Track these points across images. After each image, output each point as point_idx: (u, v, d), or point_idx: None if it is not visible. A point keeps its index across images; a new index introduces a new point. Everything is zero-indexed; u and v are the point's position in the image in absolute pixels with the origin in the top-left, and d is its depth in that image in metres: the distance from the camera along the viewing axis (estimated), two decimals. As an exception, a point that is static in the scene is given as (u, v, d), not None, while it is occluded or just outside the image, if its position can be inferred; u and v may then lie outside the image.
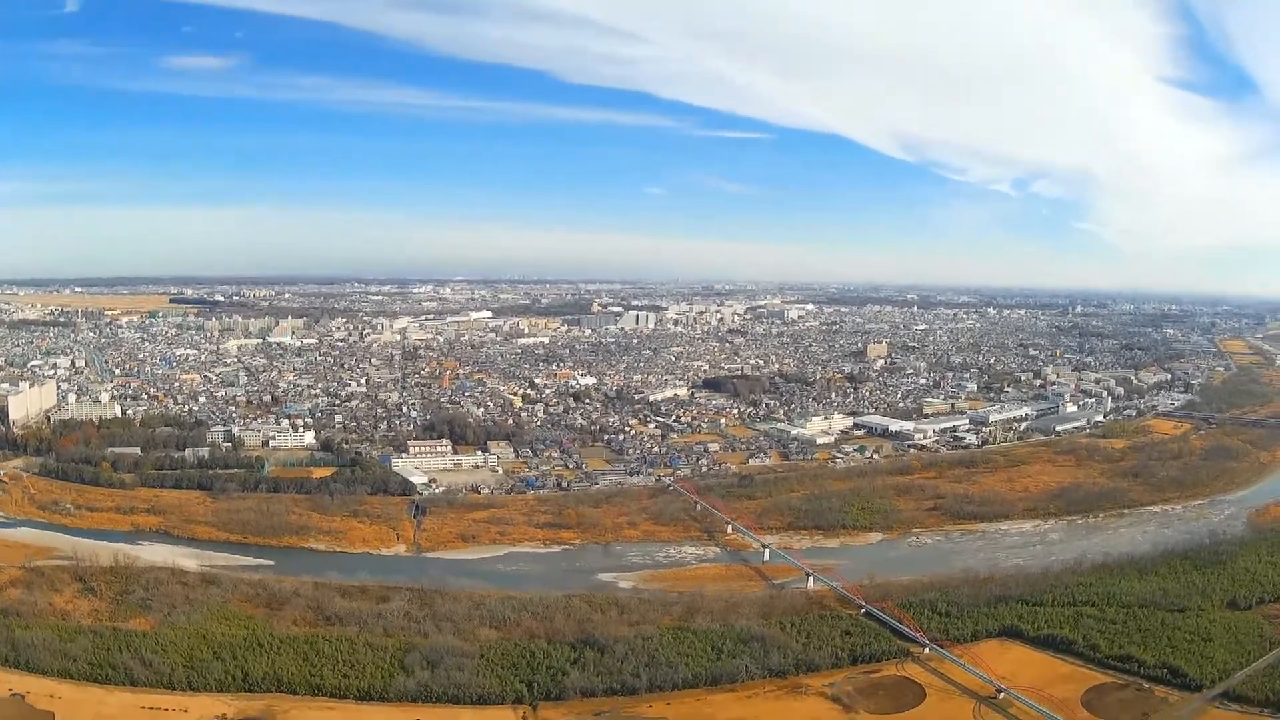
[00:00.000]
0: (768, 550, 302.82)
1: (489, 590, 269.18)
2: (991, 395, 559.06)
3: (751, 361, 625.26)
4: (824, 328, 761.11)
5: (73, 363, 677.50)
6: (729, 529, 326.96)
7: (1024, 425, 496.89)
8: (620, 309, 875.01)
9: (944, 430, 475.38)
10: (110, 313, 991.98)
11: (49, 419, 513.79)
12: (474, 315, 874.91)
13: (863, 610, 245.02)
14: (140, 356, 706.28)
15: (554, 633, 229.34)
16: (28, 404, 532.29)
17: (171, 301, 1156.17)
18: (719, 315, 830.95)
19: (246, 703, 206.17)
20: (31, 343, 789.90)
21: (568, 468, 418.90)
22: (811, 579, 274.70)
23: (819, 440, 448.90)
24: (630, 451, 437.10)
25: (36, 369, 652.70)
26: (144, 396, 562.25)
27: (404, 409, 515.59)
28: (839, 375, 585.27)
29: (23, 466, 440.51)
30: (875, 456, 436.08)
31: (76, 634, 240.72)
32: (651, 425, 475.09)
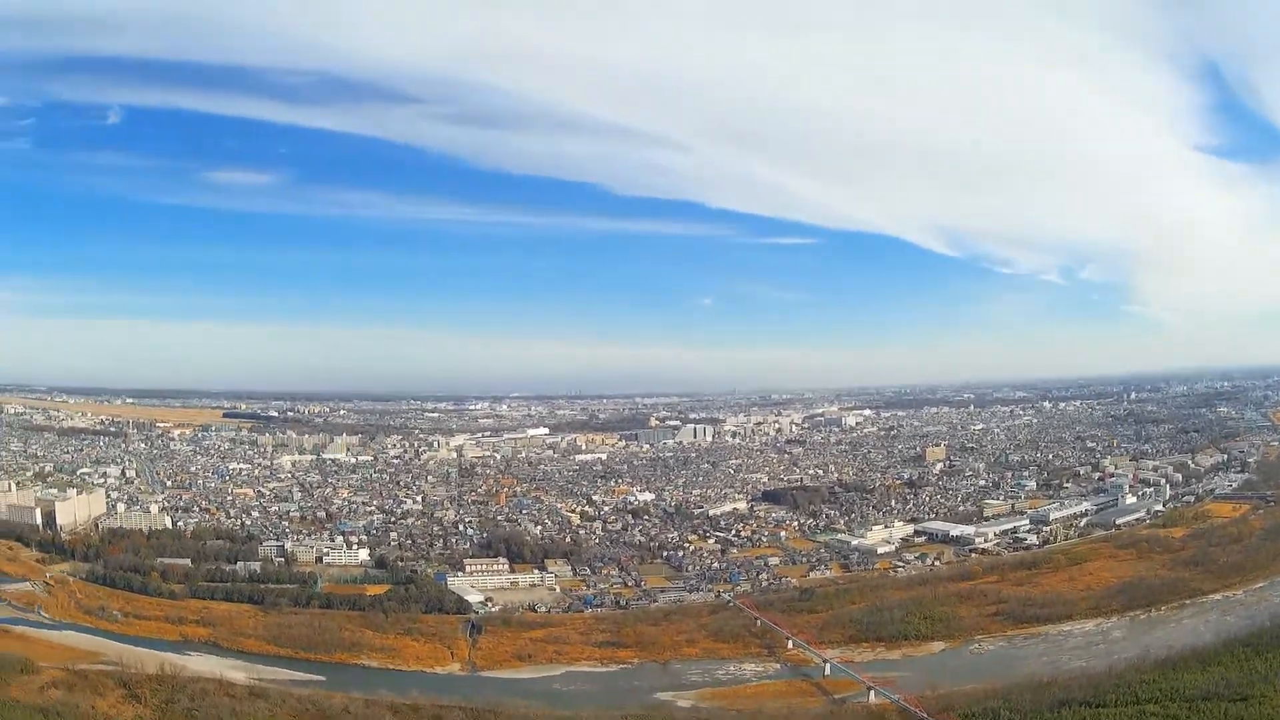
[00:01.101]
0: (828, 665, 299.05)
1: (544, 710, 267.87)
2: (1050, 492, 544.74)
3: (810, 471, 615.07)
4: (882, 433, 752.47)
5: (123, 472, 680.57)
6: (789, 644, 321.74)
7: (1084, 521, 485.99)
8: (678, 423, 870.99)
9: (1004, 532, 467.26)
10: (162, 424, 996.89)
11: (97, 526, 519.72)
12: (530, 432, 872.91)
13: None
14: (192, 469, 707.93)
15: None
16: (75, 511, 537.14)
17: (225, 416, 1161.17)
18: (777, 425, 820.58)
19: None
20: (81, 450, 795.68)
21: (626, 585, 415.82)
22: (873, 693, 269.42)
23: (879, 550, 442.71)
24: (689, 568, 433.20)
25: (85, 477, 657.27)
26: (195, 509, 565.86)
27: (460, 526, 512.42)
28: (898, 482, 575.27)
29: (70, 571, 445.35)
30: (936, 563, 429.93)
31: None
32: (711, 540, 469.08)
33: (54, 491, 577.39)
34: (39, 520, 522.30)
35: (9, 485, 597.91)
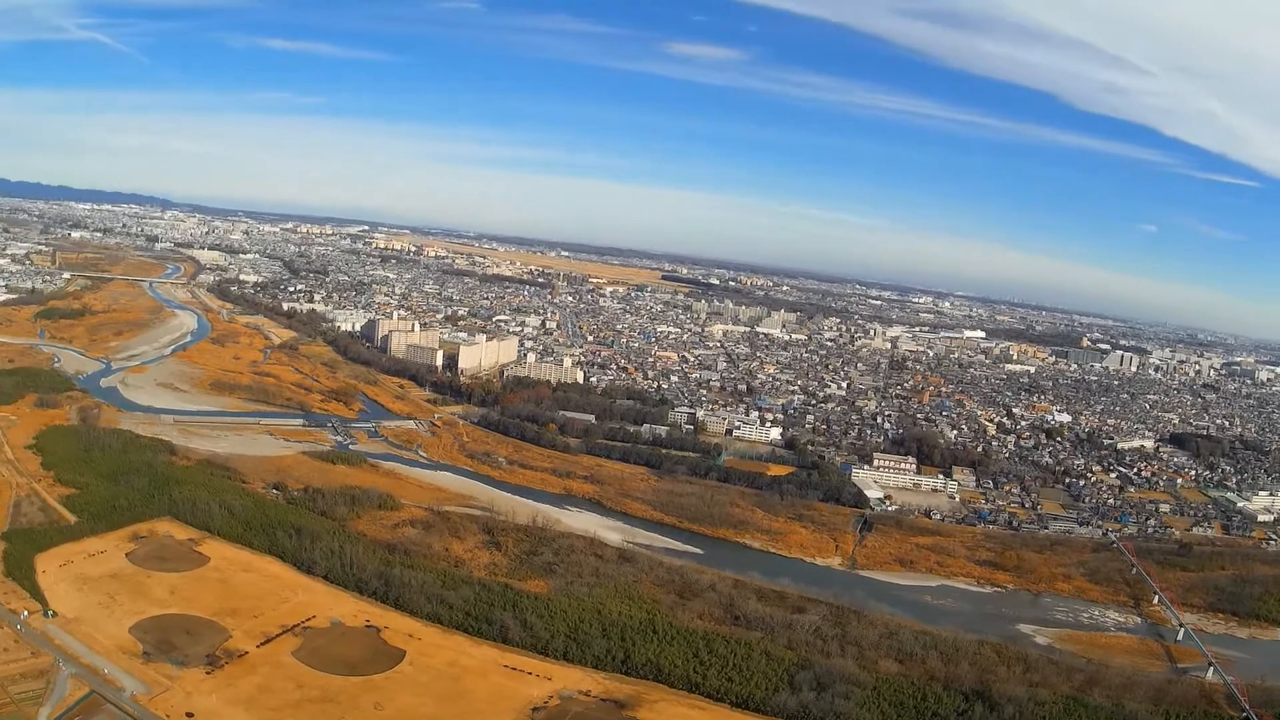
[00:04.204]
0: (1181, 630, 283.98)
1: (906, 620, 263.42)
2: None
3: (1218, 421, 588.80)
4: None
5: (543, 323, 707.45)
6: (1155, 599, 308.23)
7: None
8: (1107, 346, 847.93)
9: None
10: (595, 280, 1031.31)
11: (502, 373, 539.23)
12: (967, 333, 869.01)
13: (1244, 716, 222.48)
14: (618, 327, 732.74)
15: (953, 678, 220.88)
16: (481, 356, 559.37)
17: (663, 278, 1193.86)
18: (1197, 367, 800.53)
19: (615, 684, 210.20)
20: (502, 298, 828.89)
21: (1022, 506, 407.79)
22: (1212, 670, 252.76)
23: (1259, 517, 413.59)
24: (1086, 499, 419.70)
25: (501, 324, 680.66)
26: (612, 367, 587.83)
27: (878, 419, 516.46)
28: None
29: (462, 414, 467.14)
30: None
31: (462, 583, 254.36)
32: (1112, 475, 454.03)
33: (462, 335, 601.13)
34: (439, 362, 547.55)
35: (413, 325, 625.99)
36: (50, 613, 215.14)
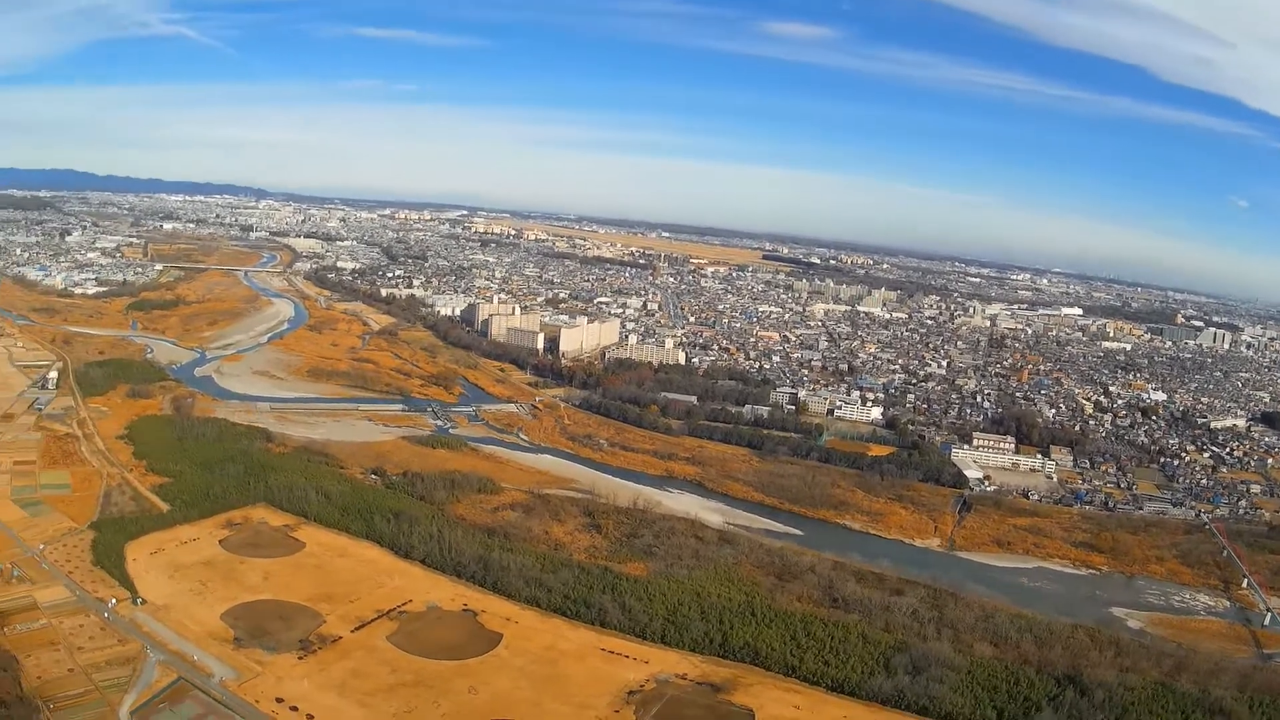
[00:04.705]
0: (1269, 615, 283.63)
1: (1002, 603, 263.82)
2: None
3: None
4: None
5: (644, 304, 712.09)
6: (1244, 583, 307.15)
7: None
8: (1201, 323, 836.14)
9: None
10: (696, 260, 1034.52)
11: (603, 355, 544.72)
12: (1065, 311, 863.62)
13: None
14: (720, 307, 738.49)
15: (1046, 662, 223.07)
16: (583, 338, 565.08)
17: (764, 258, 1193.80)
18: None
19: (712, 668, 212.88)
20: (603, 280, 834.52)
21: (1118, 486, 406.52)
22: None
23: None
24: (1180, 480, 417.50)
25: (603, 306, 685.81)
26: (714, 347, 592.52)
27: (978, 398, 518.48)
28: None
29: (563, 397, 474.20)
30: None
31: (561, 566, 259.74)
32: (1205, 455, 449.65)
33: (563, 318, 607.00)
34: (540, 345, 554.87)
35: (514, 309, 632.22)
36: (139, 600, 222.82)
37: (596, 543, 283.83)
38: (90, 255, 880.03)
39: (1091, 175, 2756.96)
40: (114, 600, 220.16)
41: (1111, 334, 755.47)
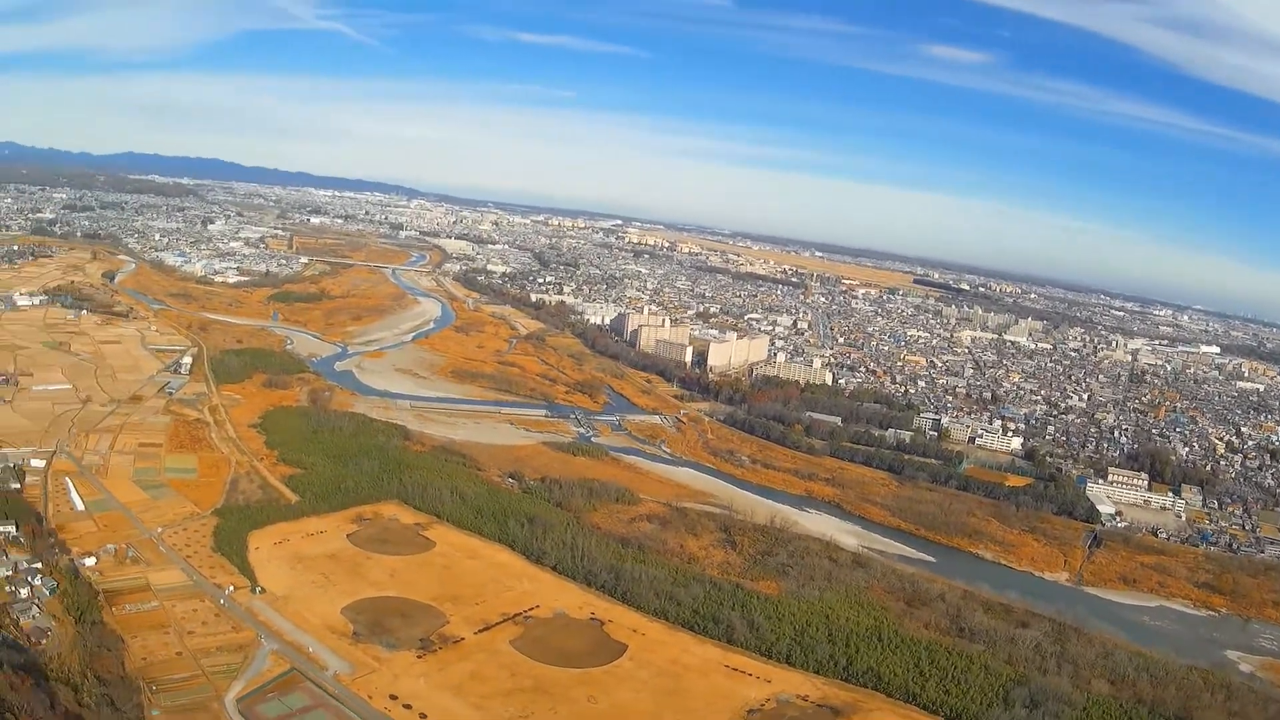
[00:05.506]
0: None
1: (1122, 641, 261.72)
2: None
3: None
4: None
5: (794, 323, 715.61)
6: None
7: None
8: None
9: None
10: (847, 281, 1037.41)
11: (750, 371, 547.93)
12: (1203, 348, 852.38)
13: None
14: (869, 330, 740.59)
15: (1159, 702, 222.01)
16: (731, 354, 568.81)
17: (915, 282, 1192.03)
18: None
19: (834, 690, 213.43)
20: (755, 296, 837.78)
21: (1243, 528, 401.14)
22: None
23: None
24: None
25: (753, 321, 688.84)
26: (861, 369, 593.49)
27: (1115, 433, 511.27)
28: None
29: (708, 411, 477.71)
30: None
31: (693, 580, 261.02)
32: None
33: (712, 332, 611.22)
34: (687, 358, 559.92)
35: (664, 320, 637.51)
36: (258, 589, 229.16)
37: (730, 559, 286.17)
38: (233, 245, 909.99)
39: (1236, 214, 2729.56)
40: (231, 587, 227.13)
41: (1246, 374, 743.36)
